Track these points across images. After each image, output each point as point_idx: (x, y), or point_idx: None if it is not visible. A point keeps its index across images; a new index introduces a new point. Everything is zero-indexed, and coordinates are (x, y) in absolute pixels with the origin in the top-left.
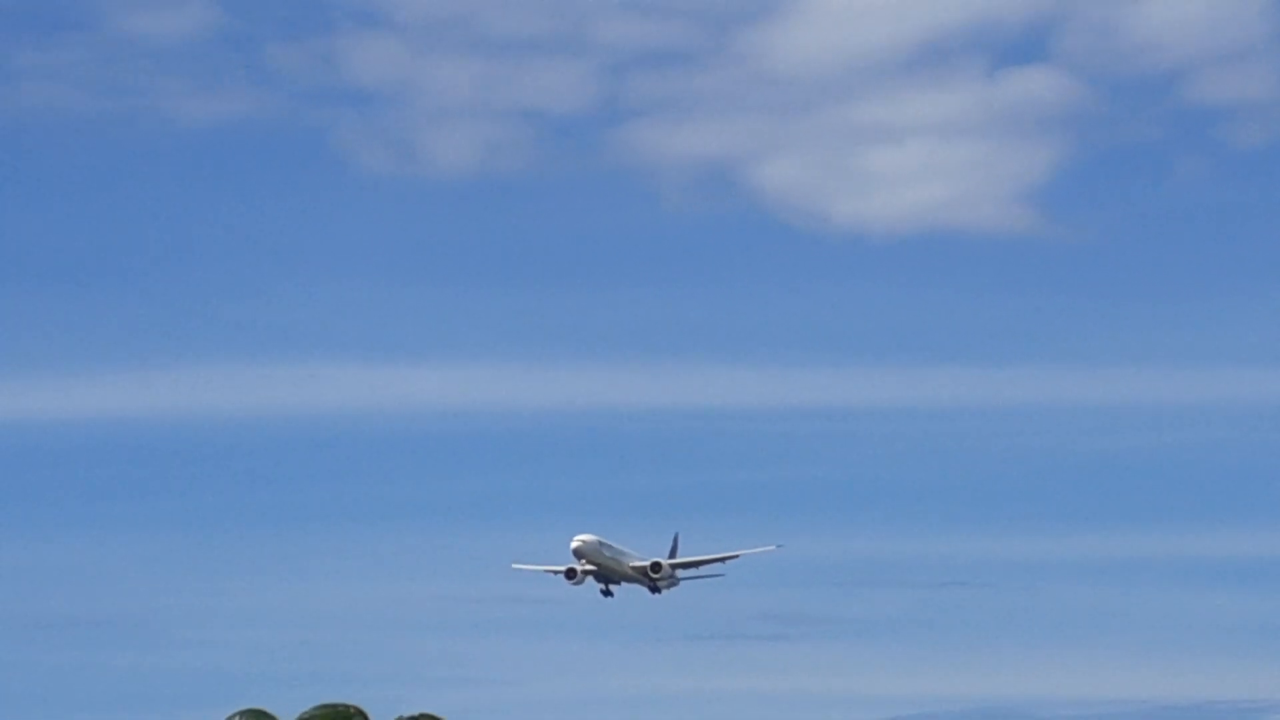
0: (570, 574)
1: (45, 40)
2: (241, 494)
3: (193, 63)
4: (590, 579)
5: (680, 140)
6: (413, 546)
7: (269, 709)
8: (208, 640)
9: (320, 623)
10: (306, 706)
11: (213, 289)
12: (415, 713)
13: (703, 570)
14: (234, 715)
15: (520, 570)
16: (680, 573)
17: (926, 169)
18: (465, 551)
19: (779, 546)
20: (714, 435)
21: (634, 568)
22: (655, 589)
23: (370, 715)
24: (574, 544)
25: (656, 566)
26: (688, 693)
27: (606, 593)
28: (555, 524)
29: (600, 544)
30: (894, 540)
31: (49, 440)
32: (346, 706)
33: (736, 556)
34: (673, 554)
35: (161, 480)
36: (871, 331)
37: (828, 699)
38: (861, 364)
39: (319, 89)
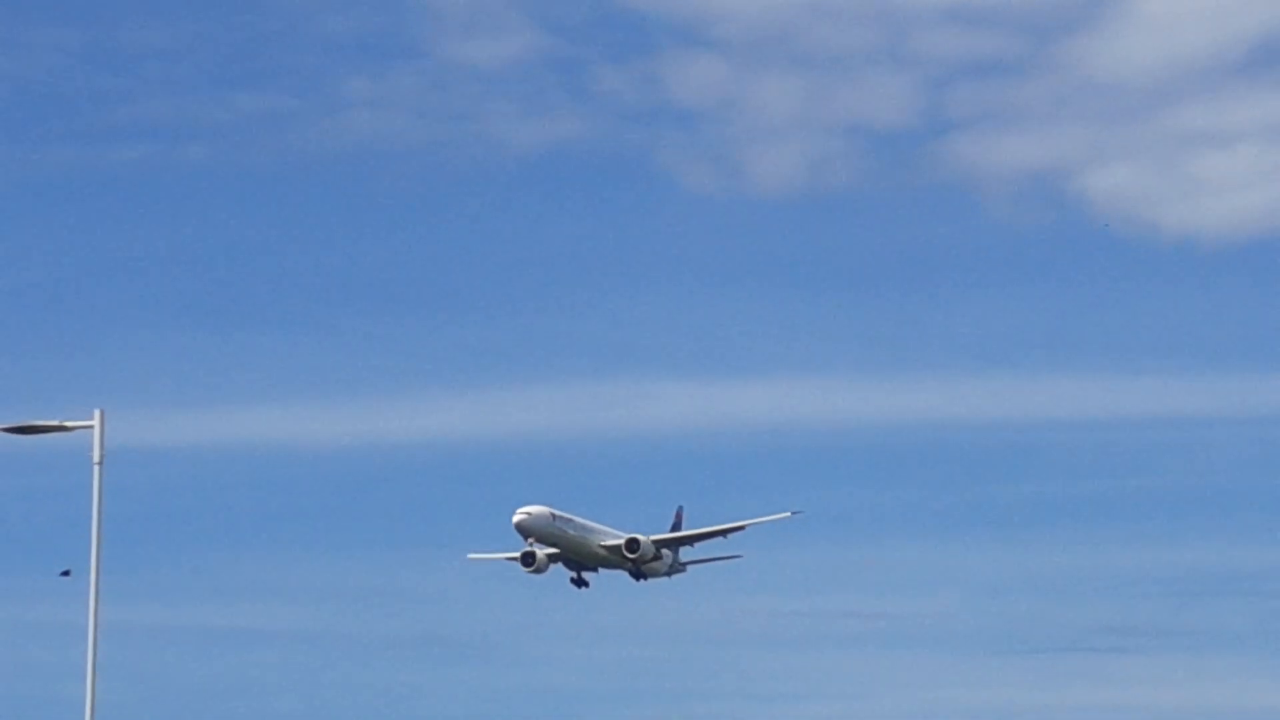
0: (527, 559)
1: (376, 70)
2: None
3: (520, 87)
4: (560, 566)
5: (1004, 150)
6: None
7: None
8: (543, 658)
9: (651, 639)
10: None
11: (543, 309)
12: None
13: (712, 552)
14: None
15: (477, 560)
16: (685, 554)
17: (1257, 173)
18: None
19: (794, 513)
20: (1046, 446)
21: (605, 547)
22: (638, 574)
23: None
24: (516, 518)
25: (633, 544)
26: (1034, 706)
27: (579, 581)
28: None
29: (553, 516)
30: (1235, 550)
31: (390, 461)
32: None
33: (741, 528)
34: (676, 528)
35: (491, 499)
36: (1204, 339)
37: (1172, 712)
38: (1194, 372)
39: (643, 109)
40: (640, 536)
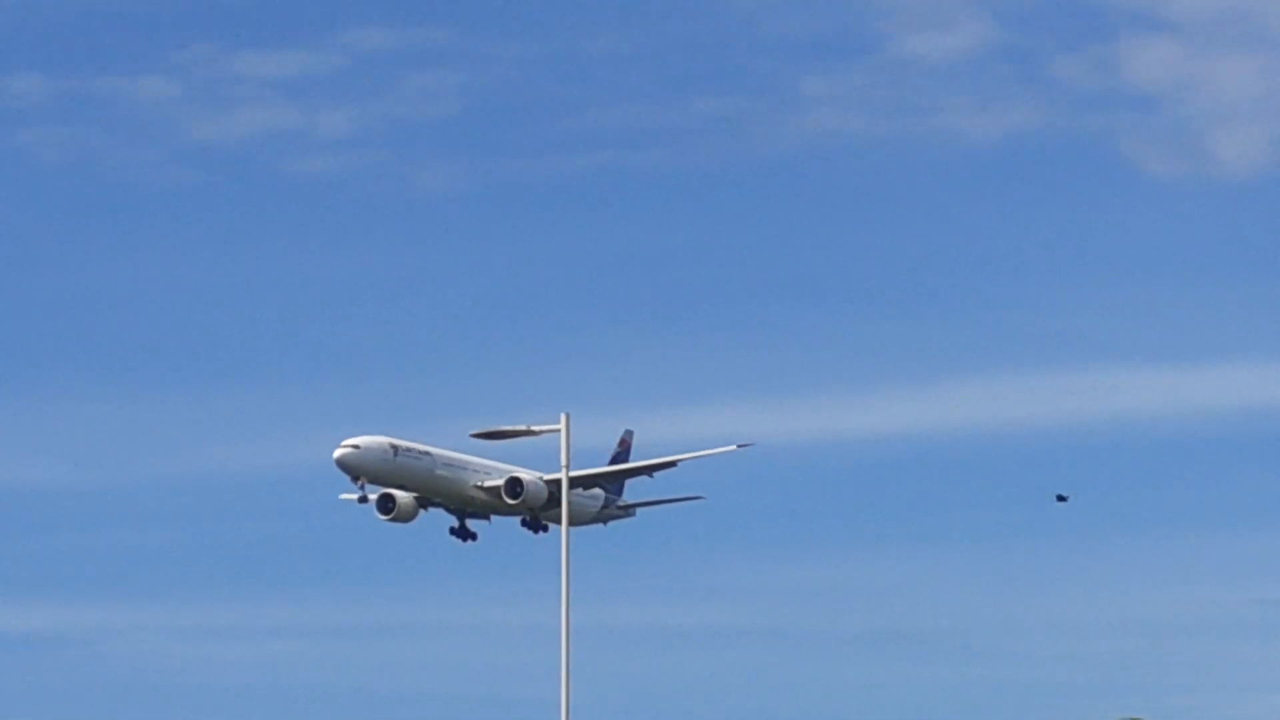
0: (385, 504)
1: (830, 68)
2: (1031, 507)
3: (973, 79)
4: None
5: None
6: (1212, 551)
7: None
8: (1015, 652)
9: (1120, 632)
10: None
11: (1002, 301)
12: None
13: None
14: None
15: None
16: (618, 495)
17: None
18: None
19: (741, 445)
20: None
21: (483, 489)
22: (535, 524)
23: None
24: (338, 452)
25: (515, 486)
26: None
27: (462, 533)
28: None
29: (393, 449)
30: None
31: (851, 458)
32: None
33: (674, 464)
34: (617, 460)
35: (964, 494)
36: None
37: None
38: None
39: (1099, 95)
40: (524, 474)
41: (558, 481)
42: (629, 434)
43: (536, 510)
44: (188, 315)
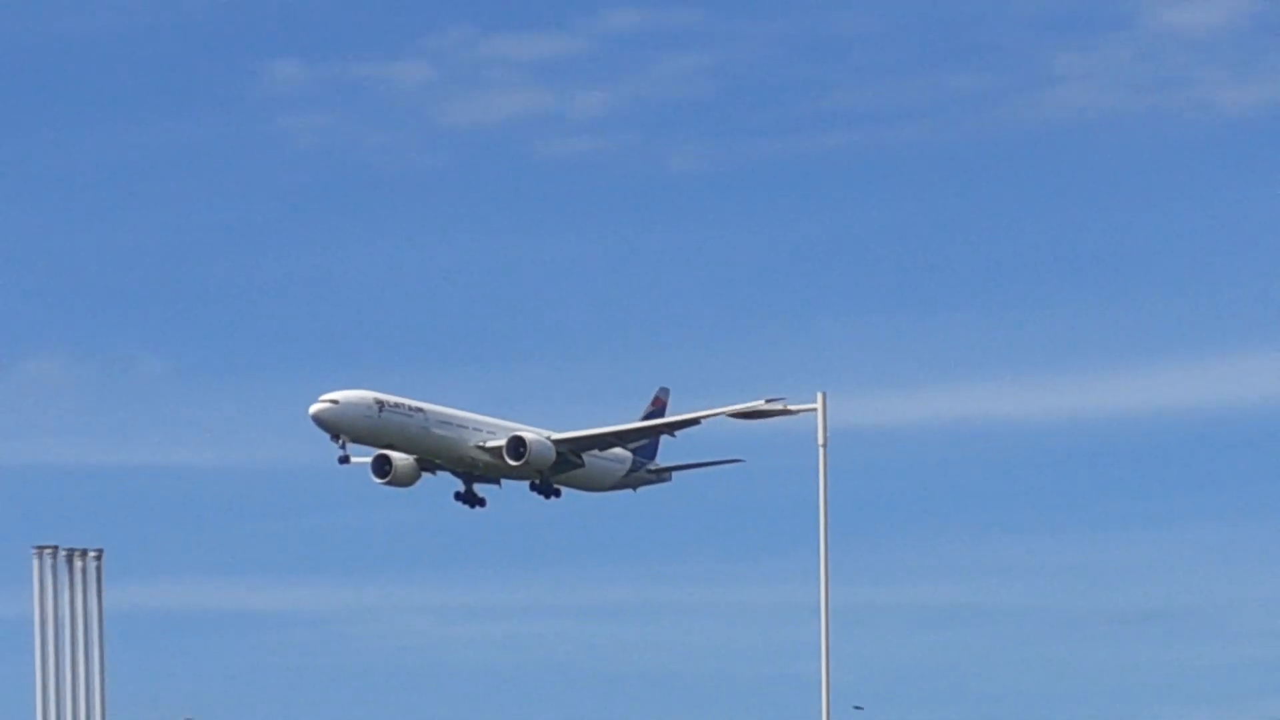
0: (380, 466)
1: (1084, 42)
2: None
3: (1231, 51)
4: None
5: None
6: None
7: None
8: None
9: None
10: None
11: (1273, 275)
12: None
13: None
14: None
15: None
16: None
17: None
18: None
19: (770, 400)
20: None
21: (485, 449)
22: (546, 489)
23: None
24: (314, 408)
25: (517, 445)
26: None
27: (469, 498)
28: None
29: (379, 404)
30: None
31: (1103, 437)
32: None
33: (697, 421)
34: (651, 417)
35: (1222, 470)
36: None
37: None
38: None
39: None
40: (528, 433)
41: (568, 441)
42: (664, 391)
43: (545, 472)
44: (443, 298)
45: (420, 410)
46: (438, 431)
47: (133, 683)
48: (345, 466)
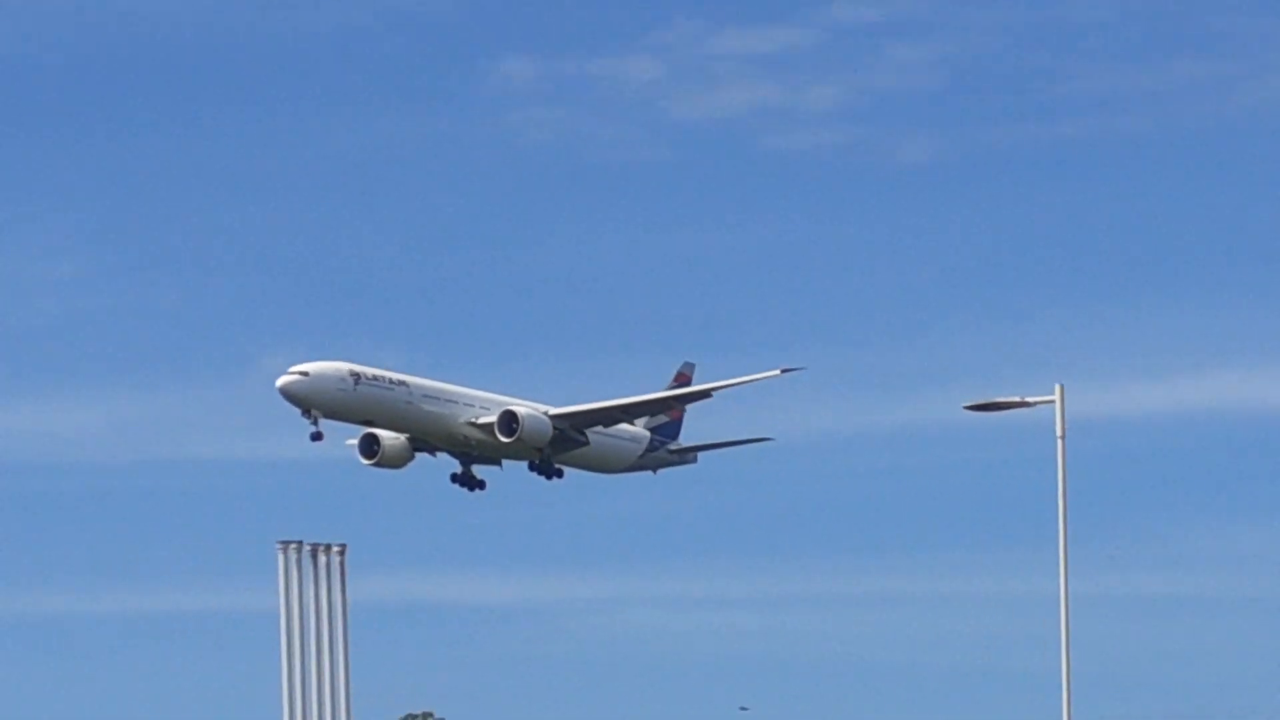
0: (368, 446)
1: None
2: None
3: None
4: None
5: None
6: None
7: None
8: None
9: None
10: None
11: None
12: None
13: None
14: None
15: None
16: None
17: None
18: None
19: (785, 370)
20: None
21: (476, 425)
22: (547, 468)
23: None
24: (281, 381)
25: (509, 423)
26: None
27: (466, 479)
28: None
29: (354, 377)
30: None
31: None
32: None
33: (709, 394)
34: (681, 382)
35: None
36: None
37: None
38: None
39: None
40: (521, 408)
41: (566, 416)
42: (688, 366)
43: (545, 450)
44: (671, 291)
45: (403, 383)
46: (426, 407)
47: (375, 675)
48: (319, 444)
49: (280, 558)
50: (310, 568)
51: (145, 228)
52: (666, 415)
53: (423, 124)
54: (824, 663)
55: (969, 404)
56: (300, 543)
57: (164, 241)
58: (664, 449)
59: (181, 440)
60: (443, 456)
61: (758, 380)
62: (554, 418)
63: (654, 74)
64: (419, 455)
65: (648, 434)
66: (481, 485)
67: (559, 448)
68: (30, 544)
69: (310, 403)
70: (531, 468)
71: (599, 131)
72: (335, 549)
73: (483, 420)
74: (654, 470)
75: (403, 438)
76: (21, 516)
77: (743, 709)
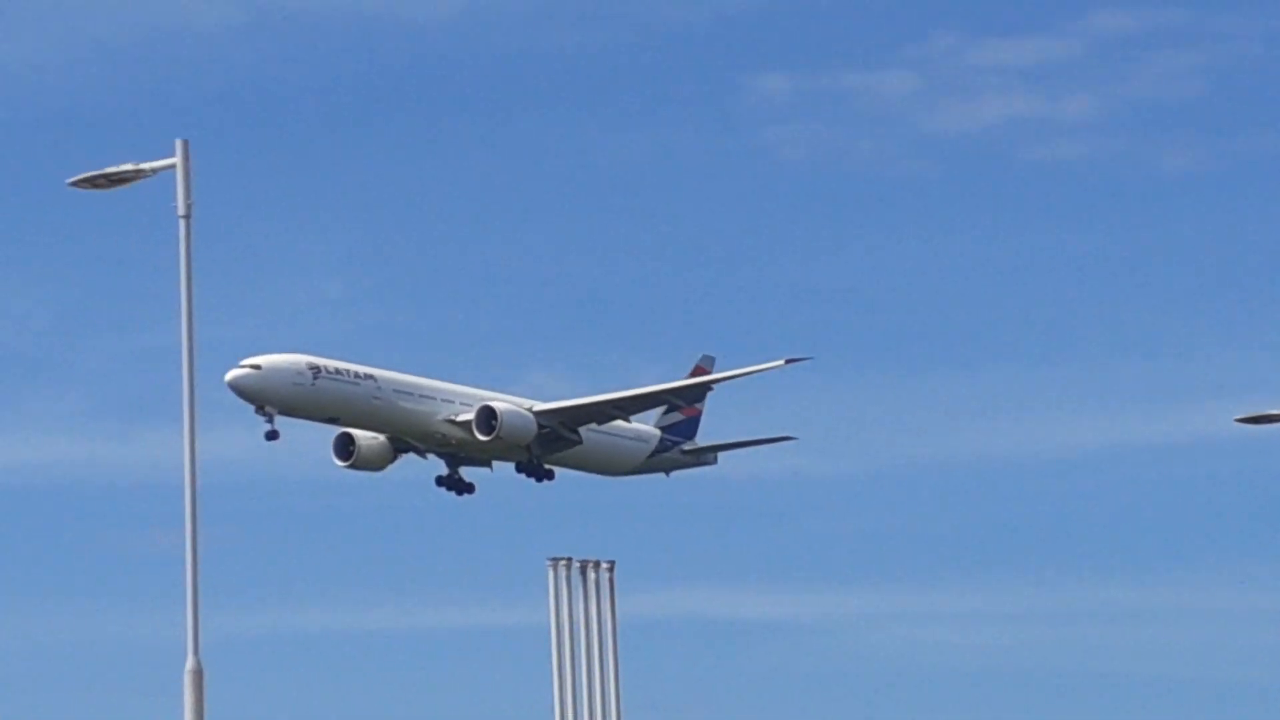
0: (342, 446)
1: None
2: None
3: None
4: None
5: None
6: None
7: None
8: None
9: None
10: None
11: None
12: None
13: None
14: None
15: None
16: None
17: None
18: None
19: (790, 360)
20: None
21: (455, 423)
22: (537, 470)
23: None
24: (230, 374)
25: (488, 420)
26: None
27: (452, 482)
28: None
29: (313, 370)
30: None
31: None
32: None
33: (710, 387)
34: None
35: None
36: None
37: None
38: None
39: None
40: (500, 403)
41: (553, 413)
42: (706, 360)
43: (532, 449)
44: (930, 302)
45: (370, 377)
46: (399, 403)
47: (645, 690)
48: (275, 443)
49: (550, 574)
50: (580, 584)
51: (407, 248)
52: (680, 413)
53: (680, 140)
54: (1112, 676)
55: (1240, 416)
56: (570, 559)
57: (427, 261)
58: (677, 449)
59: None
60: (432, 457)
61: (765, 370)
62: (539, 414)
63: (912, 87)
64: (407, 456)
65: (658, 433)
66: (470, 489)
67: (548, 447)
68: (313, 559)
69: (263, 398)
70: (519, 469)
71: (857, 147)
72: (604, 565)
73: (462, 418)
74: (667, 472)
75: (382, 437)
76: (301, 532)
77: None
